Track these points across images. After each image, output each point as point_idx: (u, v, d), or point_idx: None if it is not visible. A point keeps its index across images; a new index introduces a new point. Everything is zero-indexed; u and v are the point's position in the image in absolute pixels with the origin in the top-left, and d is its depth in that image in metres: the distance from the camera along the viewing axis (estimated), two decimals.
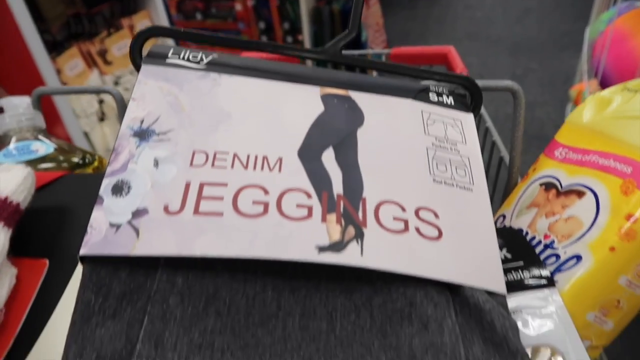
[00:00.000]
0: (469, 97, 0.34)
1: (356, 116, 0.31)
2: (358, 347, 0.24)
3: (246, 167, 0.27)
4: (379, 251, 0.25)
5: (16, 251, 0.30)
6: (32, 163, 0.39)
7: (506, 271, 0.30)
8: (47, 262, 0.30)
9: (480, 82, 0.34)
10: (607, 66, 1.04)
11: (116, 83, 1.46)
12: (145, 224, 0.24)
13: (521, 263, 0.30)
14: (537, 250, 0.30)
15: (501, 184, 0.46)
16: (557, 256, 0.29)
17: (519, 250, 0.31)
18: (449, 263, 0.25)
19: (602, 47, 1.06)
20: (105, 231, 0.24)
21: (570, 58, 2.20)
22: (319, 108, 0.31)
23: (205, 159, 0.27)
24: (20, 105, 0.41)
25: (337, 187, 0.27)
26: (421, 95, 0.33)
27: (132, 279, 0.25)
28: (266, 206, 0.26)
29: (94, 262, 0.25)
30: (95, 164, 0.44)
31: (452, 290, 0.26)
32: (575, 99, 1.13)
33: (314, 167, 0.28)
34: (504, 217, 0.36)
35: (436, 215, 0.27)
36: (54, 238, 0.31)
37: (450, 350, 0.23)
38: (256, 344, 0.24)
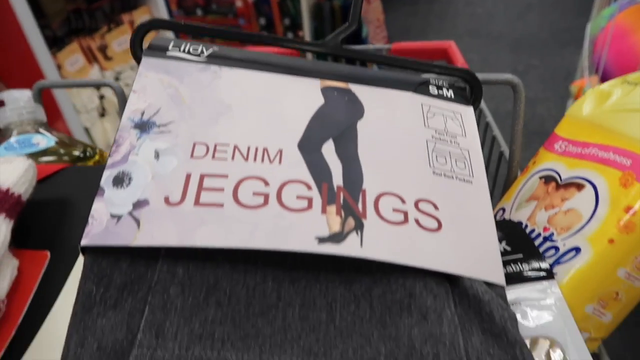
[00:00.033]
0: (468, 91, 0.34)
1: (356, 109, 0.31)
2: (357, 338, 0.24)
3: (246, 158, 0.27)
4: (378, 242, 0.25)
5: (18, 243, 0.30)
6: (33, 156, 0.39)
7: (505, 263, 0.30)
8: (49, 253, 0.30)
9: (480, 76, 0.34)
10: (608, 62, 1.03)
11: (117, 79, 1.46)
12: (146, 215, 0.25)
13: (520, 255, 0.30)
14: (537, 242, 0.31)
15: (501, 180, 0.46)
16: (556, 248, 0.29)
17: (519, 243, 0.31)
18: (448, 254, 0.26)
19: (603, 43, 1.05)
20: (106, 222, 0.24)
21: (571, 54, 2.20)
22: (319, 101, 0.31)
23: (206, 150, 0.27)
24: (21, 99, 0.41)
25: (337, 179, 0.27)
26: (421, 88, 0.33)
27: (133, 270, 0.25)
28: (266, 197, 0.26)
29: (95, 253, 0.25)
30: (96, 157, 0.44)
31: (452, 282, 0.26)
32: (576, 95, 1.13)
33: (314, 159, 0.28)
34: (504, 210, 0.36)
35: (436, 207, 0.27)
36: (55, 230, 0.31)
37: (449, 340, 0.24)
38: (256, 334, 0.24)
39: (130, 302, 0.24)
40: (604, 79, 1.04)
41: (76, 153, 0.42)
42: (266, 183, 0.26)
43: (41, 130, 0.42)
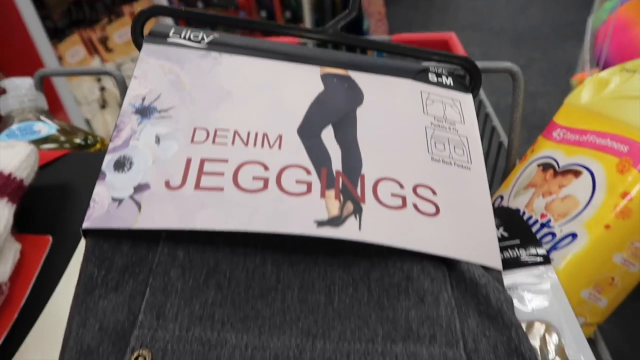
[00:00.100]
0: (468, 79, 0.34)
1: (356, 95, 0.31)
2: (355, 320, 0.24)
3: (246, 144, 0.27)
4: (376, 226, 0.25)
5: (20, 228, 0.30)
6: (35, 143, 0.39)
7: (503, 249, 0.30)
8: (51, 238, 0.30)
9: (479, 64, 0.34)
10: (609, 55, 1.03)
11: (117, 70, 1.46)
12: (147, 199, 0.25)
13: (517, 241, 0.30)
14: (534, 229, 0.31)
15: (500, 171, 0.46)
16: (553, 234, 0.30)
17: (516, 229, 0.31)
18: (445, 238, 0.26)
19: (604, 36, 1.05)
20: (107, 205, 0.25)
21: (573, 48, 2.19)
22: (319, 87, 0.31)
23: (206, 135, 0.27)
24: (22, 86, 0.41)
25: (336, 164, 0.27)
26: (421, 75, 0.33)
27: (134, 253, 0.25)
28: (266, 182, 0.26)
29: (96, 236, 0.25)
30: (98, 145, 0.45)
31: (449, 265, 0.26)
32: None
33: (314, 144, 0.28)
34: (502, 198, 0.36)
35: (434, 192, 0.27)
36: (57, 215, 0.32)
37: (446, 322, 0.24)
38: (256, 315, 0.24)
39: (131, 284, 0.24)
40: None
41: (77, 141, 0.42)
42: (266, 168, 0.26)
43: (42, 117, 0.42)
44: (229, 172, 0.26)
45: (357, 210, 0.25)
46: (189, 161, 0.26)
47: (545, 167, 0.33)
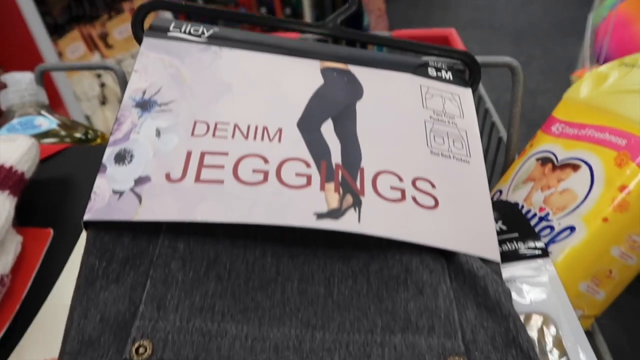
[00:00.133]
0: (467, 73, 0.34)
1: (355, 89, 0.31)
2: (355, 311, 0.24)
3: (246, 137, 0.28)
4: (376, 218, 0.25)
5: (21, 221, 0.30)
6: (36, 138, 0.39)
7: (501, 242, 0.30)
8: (52, 231, 0.31)
9: (479, 58, 0.35)
10: (610, 51, 1.03)
11: None
12: (148, 191, 0.25)
13: (516, 234, 0.30)
14: (532, 222, 0.31)
15: (499, 166, 0.46)
16: (552, 228, 0.30)
17: (514, 223, 0.31)
18: (444, 231, 0.26)
19: (604, 33, 1.05)
20: (108, 198, 0.25)
21: (573, 45, 2.19)
22: (319, 81, 0.31)
23: (206, 129, 0.28)
24: (23, 81, 0.41)
25: (336, 157, 0.27)
26: (420, 70, 0.34)
27: (134, 245, 0.25)
28: (266, 175, 0.26)
29: (97, 228, 0.25)
30: (98, 140, 0.45)
31: (448, 258, 0.26)
32: None
33: (313, 137, 0.28)
34: (501, 192, 0.36)
35: (433, 186, 0.28)
36: (58, 208, 0.32)
37: (444, 313, 0.24)
38: (256, 307, 0.24)
39: (132, 275, 0.25)
40: None
41: (78, 135, 0.42)
42: (266, 161, 0.27)
43: (43, 112, 0.42)
44: (229, 165, 0.26)
45: (357, 203, 0.26)
46: (189, 154, 0.26)
47: (544, 161, 0.33)
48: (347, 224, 0.25)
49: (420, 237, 0.25)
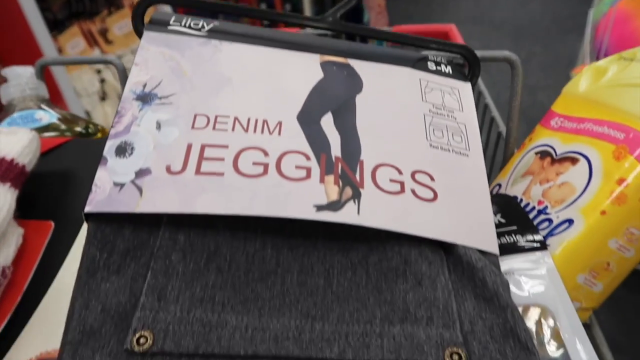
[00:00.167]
0: (467, 67, 0.34)
1: (355, 83, 0.31)
2: (354, 302, 0.25)
3: (246, 130, 0.28)
4: (375, 211, 0.25)
5: (22, 214, 0.30)
6: (36, 131, 0.40)
7: (500, 235, 0.30)
8: (53, 224, 0.31)
9: (478, 52, 0.35)
10: (610, 47, 1.03)
11: None
12: (149, 183, 0.25)
13: (515, 227, 0.31)
14: (531, 215, 0.31)
15: (499, 161, 0.46)
16: (550, 221, 0.30)
17: (513, 216, 0.31)
18: (443, 223, 0.26)
19: (604, 29, 1.05)
20: (109, 190, 0.25)
21: (573, 42, 2.19)
22: (319, 75, 0.31)
23: (207, 122, 0.28)
24: (23, 75, 0.41)
25: (336, 150, 0.28)
26: (420, 64, 0.34)
27: (135, 236, 0.25)
28: (266, 167, 0.26)
29: (98, 220, 0.25)
30: (99, 135, 0.45)
31: (446, 250, 0.26)
32: None
33: (313, 130, 0.28)
34: (500, 186, 0.36)
35: (432, 178, 0.28)
36: (59, 201, 0.32)
37: (443, 304, 0.24)
38: (255, 298, 0.24)
39: (133, 267, 0.25)
40: None
41: (78, 129, 0.42)
42: (266, 153, 0.27)
43: (43, 106, 0.42)
44: (229, 158, 0.26)
45: (356, 195, 0.26)
46: (189, 147, 0.27)
47: (543, 155, 0.33)
48: (347, 216, 0.25)
49: (419, 229, 0.26)
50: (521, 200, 0.33)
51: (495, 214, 0.32)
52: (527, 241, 0.30)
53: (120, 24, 1.47)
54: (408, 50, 0.35)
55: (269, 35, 0.33)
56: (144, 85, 0.29)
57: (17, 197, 0.29)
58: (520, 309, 0.27)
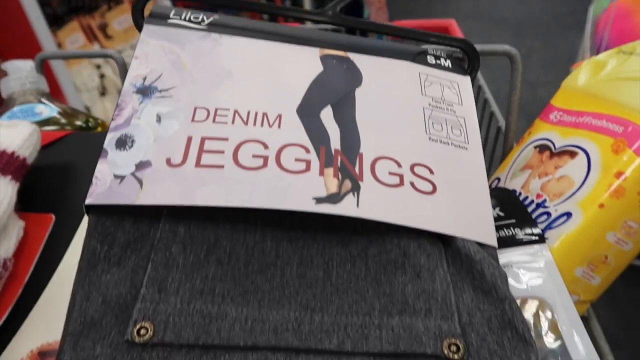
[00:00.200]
0: (466, 61, 0.34)
1: (355, 76, 0.31)
2: (353, 294, 0.25)
3: (246, 123, 0.28)
4: (374, 203, 0.26)
5: (23, 207, 0.31)
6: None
7: (499, 228, 0.30)
8: (53, 216, 0.31)
9: (477, 46, 0.35)
10: (610, 43, 1.03)
11: None
12: (149, 176, 0.25)
13: (513, 221, 0.31)
14: (530, 209, 0.31)
15: (498, 157, 0.47)
16: (549, 214, 0.30)
17: (512, 209, 0.31)
18: (442, 216, 0.26)
19: (605, 24, 1.05)
20: (109, 182, 0.25)
21: (574, 38, 2.18)
22: (318, 68, 0.31)
23: (207, 115, 0.28)
24: (23, 69, 0.41)
25: (335, 143, 0.28)
26: (419, 57, 0.34)
27: (136, 229, 0.26)
28: (265, 160, 0.26)
29: (99, 213, 0.25)
30: (99, 129, 0.45)
31: (445, 242, 0.27)
32: None
33: (313, 124, 0.28)
34: (499, 180, 0.36)
35: (431, 171, 0.28)
36: (59, 194, 0.32)
37: (442, 297, 0.24)
38: (255, 290, 0.25)
39: (133, 259, 0.25)
40: None
41: (78, 123, 0.42)
42: (265, 146, 0.27)
43: (44, 100, 0.42)
44: (229, 150, 0.26)
45: (355, 188, 0.26)
46: (189, 139, 0.27)
47: (542, 148, 0.33)
48: (346, 208, 0.25)
49: (418, 222, 0.26)
50: (520, 193, 0.33)
51: (494, 207, 0.32)
52: (525, 234, 0.30)
53: (119, 19, 1.47)
54: (408, 44, 0.35)
55: (268, 28, 0.33)
56: (144, 79, 0.29)
57: (17, 190, 0.29)
58: (518, 302, 0.28)
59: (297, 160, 0.27)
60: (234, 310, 0.24)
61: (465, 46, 0.34)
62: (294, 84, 0.30)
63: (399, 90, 0.31)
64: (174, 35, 0.31)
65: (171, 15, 0.32)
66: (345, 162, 0.27)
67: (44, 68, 0.49)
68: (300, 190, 0.25)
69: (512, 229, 0.30)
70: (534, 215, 0.31)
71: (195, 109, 0.28)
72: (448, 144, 0.29)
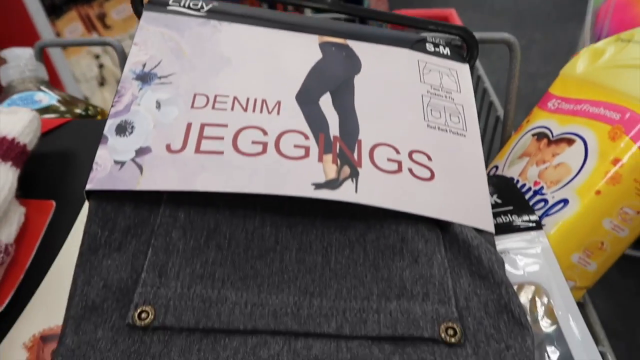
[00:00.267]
0: (465, 49, 0.34)
1: (354, 63, 0.31)
2: (351, 279, 0.25)
3: (246, 109, 0.28)
4: (372, 189, 0.26)
5: (24, 193, 0.31)
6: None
7: (496, 215, 0.31)
8: (54, 203, 0.31)
9: (477, 34, 0.35)
10: (610, 33, 1.03)
11: None
12: (149, 162, 0.25)
13: (511, 208, 0.31)
14: (527, 196, 0.32)
15: (496, 146, 0.47)
16: (546, 201, 0.30)
17: (509, 196, 0.32)
18: (440, 202, 0.27)
19: (605, 15, 1.05)
20: (110, 168, 0.25)
21: (574, 29, 2.17)
22: (317, 55, 0.31)
23: (206, 101, 0.28)
24: (23, 56, 0.41)
25: (334, 130, 0.28)
26: (418, 45, 0.34)
27: (136, 214, 0.26)
28: (265, 146, 0.26)
29: (99, 198, 0.26)
30: (98, 117, 0.45)
31: (443, 228, 0.27)
32: None
33: (312, 110, 0.28)
34: (497, 167, 0.37)
35: (429, 158, 0.28)
36: (60, 181, 0.32)
37: (439, 281, 0.25)
38: (255, 275, 0.25)
39: (134, 244, 0.25)
40: None
41: (78, 111, 0.42)
42: (265, 132, 0.27)
43: (43, 88, 0.42)
44: (228, 137, 0.27)
45: (354, 174, 0.26)
46: (189, 126, 0.27)
47: (540, 136, 0.34)
48: (344, 194, 0.25)
49: (416, 208, 0.26)
50: (518, 181, 0.33)
51: (491, 194, 0.32)
52: (522, 221, 0.30)
53: (118, 8, 1.46)
54: (407, 32, 0.35)
55: (268, 15, 0.33)
56: (144, 65, 0.29)
57: (18, 176, 0.29)
58: (515, 287, 0.28)
59: (296, 146, 0.27)
60: (234, 294, 0.24)
61: (464, 34, 0.34)
62: (293, 71, 0.30)
63: (398, 78, 0.31)
64: (174, 22, 0.31)
65: (170, 2, 0.32)
66: (344, 148, 0.27)
67: (43, 57, 0.49)
68: (299, 176, 0.26)
69: (509, 215, 0.31)
70: (531, 202, 0.31)
71: (194, 96, 0.28)
72: (446, 131, 0.30)
